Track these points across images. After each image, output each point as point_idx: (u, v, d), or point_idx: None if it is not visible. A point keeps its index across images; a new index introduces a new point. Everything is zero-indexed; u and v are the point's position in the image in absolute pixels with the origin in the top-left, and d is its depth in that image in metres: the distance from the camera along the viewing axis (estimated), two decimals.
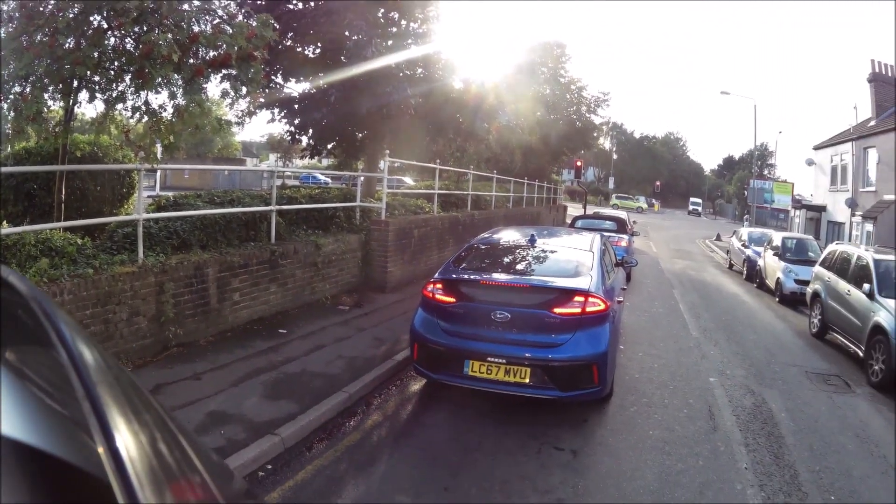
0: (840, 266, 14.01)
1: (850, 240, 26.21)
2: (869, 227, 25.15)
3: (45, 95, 7.21)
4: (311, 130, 16.58)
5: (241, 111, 14.23)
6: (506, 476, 5.97)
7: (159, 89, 7.63)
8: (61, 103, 7.94)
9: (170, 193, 10.01)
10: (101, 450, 0.65)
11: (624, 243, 18.93)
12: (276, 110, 16.08)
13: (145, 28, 7.38)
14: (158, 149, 8.14)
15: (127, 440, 0.69)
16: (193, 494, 0.84)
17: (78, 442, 0.67)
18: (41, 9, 7.09)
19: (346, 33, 14.00)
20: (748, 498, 6.26)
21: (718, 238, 42.08)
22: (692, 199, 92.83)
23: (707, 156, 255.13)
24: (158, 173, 24.10)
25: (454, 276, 7.38)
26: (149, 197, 9.65)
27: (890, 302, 11.23)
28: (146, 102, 7.74)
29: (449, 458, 6.23)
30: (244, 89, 8.13)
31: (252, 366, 7.48)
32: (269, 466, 5.72)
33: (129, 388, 0.91)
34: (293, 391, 6.94)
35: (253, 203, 9.66)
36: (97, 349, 0.90)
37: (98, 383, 0.74)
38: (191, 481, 0.87)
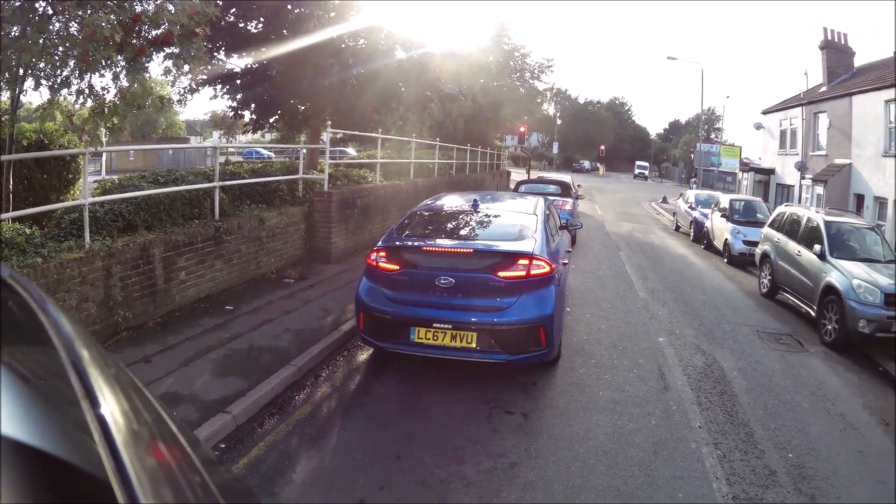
0: (790, 227, 14.42)
1: (799, 202, 26.92)
2: (819, 189, 25.94)
3: None
4: (253, 105, 16.74)
5: (184, 89, 14.68)
6: (458, 442, 6.08)
7: (103, 72, 7.81)
8: (7, 93, 8.01)
9: (115, 176, 9.99)
10: (100, 449, 0.66)
11: (569, 207, 19.21)
12: (219, 86, 16.22)
13: (89, 11, 7.31)
14: (103, 132, 8.18)
15: (127, 440, 0.70)
16: (193, 494, 0.86)
17: (78, 442, 0.68)
18: None
19: (289, 7, 14.11)
20: (703, 457, 6.33)
21: (665, 200, 42.83)
22: (638, 163, 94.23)
23: (653, 120, 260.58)
24: (104, 157, 24.22)
25: (397, 243, 7.47)
26: (94, 181, 9.59)
27: (842, 263, 11.65)
28: (90, 86, 7.88)
29: (400, 427, 6.32)
30: (186, 67, 8.16)
31: (201, 344, 7.54)
32: (223, 445, 5.73)
33: (128, 387, 0.93)
34: (242, 367, 7.02)
35: (196, 180, 9.80)
36: (97, 348, 0.91)
37: (98, 383, 0.76)
38: (190, 481, 0.89)
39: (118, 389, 0.86)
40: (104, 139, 8.52)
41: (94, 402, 0.73)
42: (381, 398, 7.03)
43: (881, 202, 22.19)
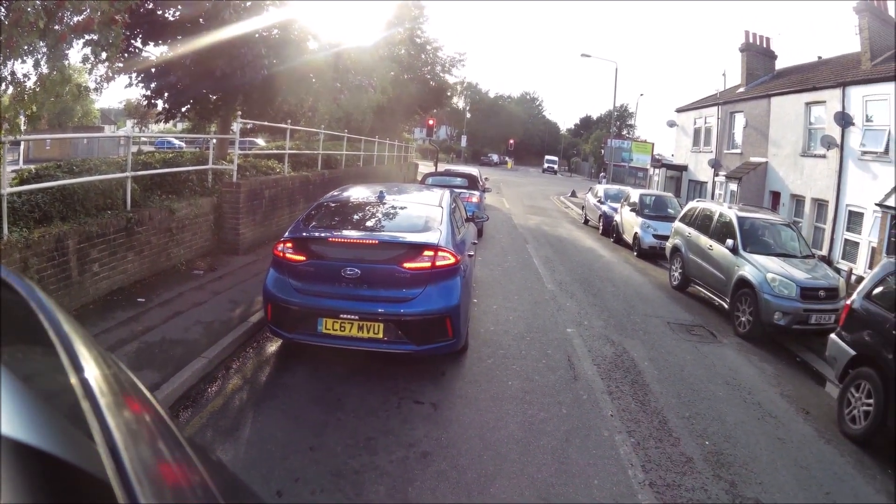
0: (701, 222, 14.95)
1: (713, 198, 28.00)
2: (734, 186, 26.98)
3: None
4: (166, 94, 16.89)
5: (100, 76, 14.64)
6: (370, 432, 6.16)
7: (25, 58, 7.86)
8: None
9: (32, 166, 9.82)
10: (100, 449, 0.68)
11: (475, 199, 19.61)
12: (134, 75, 16.27)
13: None
14: (22, 120, 8.08)
15: (126, 440, 0.72)
16: (193, 494, 0.88)
17: (78, 442, 0.70)
18: None
19: None
20: (617, 444, 6.40)
21: (574, 194, 43.87)
22: (547, 157, 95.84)
23: (564, 116, 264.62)
24: (22, 146, 24.43)
25: (304, 234, 7.65)
26: (12, 171, 9.29)
27: (755, 257, 12.18)
28: (12, 72, 7.93)
29: (312, 418, 6.38)
30: (104, 54, 8.38)
31: (115, 338, 7.49)
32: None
33: (128, 387, 0.98)
34: (155, 360, 7.02)
35: (110, 170, 9.86)
36: (96, 348, 0.94)
37: (97, 383, 0.77)
38: (190, 480, 0.91)
39: (118, 389, 0.87)
40: (23, 128, 8.45)
41: (93, 402, 0.74)
42: (292, 389, 7.08)
43: (798, 199, 23.21)
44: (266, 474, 5.29)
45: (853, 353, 8.04)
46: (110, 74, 14.96)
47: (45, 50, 7.76)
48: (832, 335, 8.70)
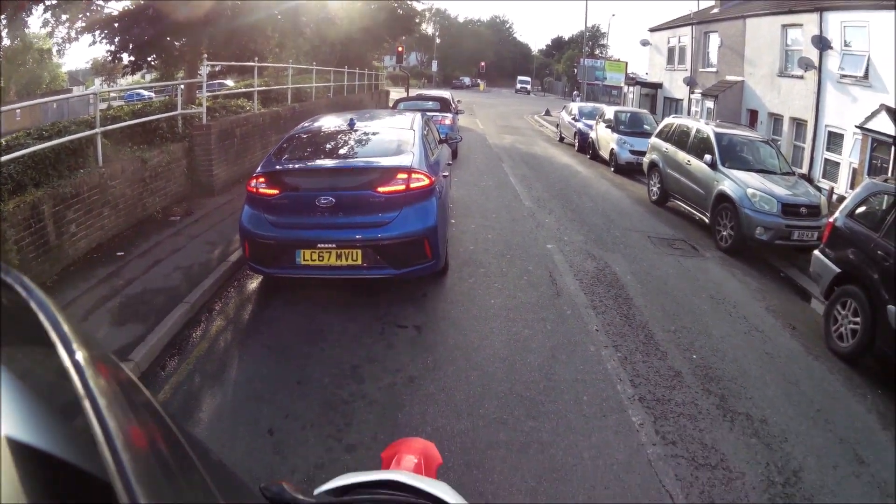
0: (678, 138, 14.74)
1: (689, 115, 27.72)
2: (710, 104, 26.83)
3: None
4: (131, 46, 16.97)
5: (62, 38, 15.18)
6: (355, 361, 6.12)
7: None
8: None
9: (2, 140, 9.50)
10: (101, 450, 0.65)
11: (448, 121, 19.51)
12: (97, 33, 16.20)
13: None
14: None
15: (127, 440, 0.69)
16: (193, 494, 0.87)
17: (78, 442, 0.69)
18: None
19: None
20: (604, 359, 6.29)
21: (548, 113, 43.35)
22: (520, 78, 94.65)
23: (535, 37, 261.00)
24: None
25: (276, 167, 7.55)
26: None
27: (734, 172, 12.03)
28: None
29: (297, 352, 6.34)
30: (64, 16, 7.58)
31: (97, 295, 7.40)
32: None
33: (129, 386, 0.94)
34: (138, 312, 6.95)
35: (79, 130, 9.66)
36: (97, 348, 0.90)
37: (97, 383, 0.75)
38: (190, 479, 0.90)
39: (118, 389, 0.84)
40: None
41: (93, 402, 0.70)
42: (275, 325, 7.02)
43: (776, 118, 23.04)
44: (256, 413, 5.23)
45: (838, 270, 7.93)
46: (73, 35, 15.29)
47: (4, 22, 7.44)
48: (816, 252, 8.59)
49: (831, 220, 8.54)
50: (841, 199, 11.55)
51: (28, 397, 0.71)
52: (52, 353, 0.78)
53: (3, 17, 7.28)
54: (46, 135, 9.17)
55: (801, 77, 21.07)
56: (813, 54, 20.28)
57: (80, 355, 0.79)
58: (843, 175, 18.77)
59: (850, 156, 18.51)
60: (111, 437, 0.67)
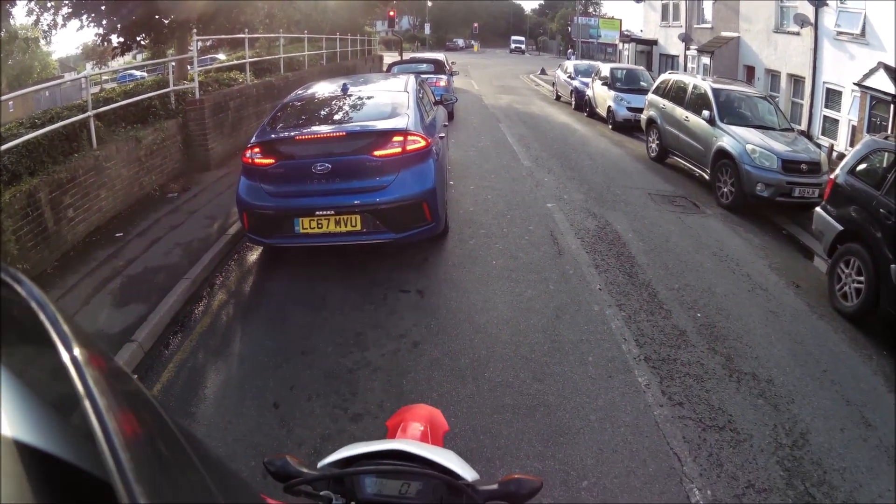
0: (675, 94, 14.54)
1: (685, 71, 27.47)
2: (706, 60, 26.60)
3: None
4: (119, 27, 16.94)
5: (48, 25, 15.15)
6: (358, 328, 6.07)
7: None
8: None
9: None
10: (101, 449, 0.64)
11: (443, 83, 19.29)
12: (84, 17, 16.18)
13: None
14: None
15: (127, 440, 0.67)
16: (193, 494, 0.84)
17: (78, 442, 0.68)
18: None
19: None
20: (608, 319, 6.20)
21: (543, 72, 42.93)
22: (514, 38, 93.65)
23: None
24: None
25: (271, 136, 7.46)
26: None
27: (733, 128, 11.84)
28: None
29: (299, 322, 6.30)
30: (49, 3, 7.42)
31: (98, 278, 7.35)
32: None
33: (129, 386, 0.90)
34: (140, 292, 6.91)
35: (71, 114, 9.55)
36: (97, 348, 0.85)
37: (98, 383, 0.72)
38: (190, 480, 0.87)
39: (118, 389, 0.79)
40: None
41: (93, 402, 0.67)
42: (277, 296, 6.98)
43: (773, 74, 22.77)
44: (261, 387, 5.19)
45: (840, 227, 7.81)
46: (59, 21, 15.12)
47: None
48: (818, 209, 8.47)
49: (832, 176, 8.40)
50: (841, 156, 11.42)
51: (27, 397, 0.71)
52: (51, 352, 0.76)
53: None
54: (39, 122, 9.14)
55: (798, 34, 20.72)
56: (809, 11, 19.91)
57: (79, 355, 0.76)
58: (843, 132, 18.50)
59: (848, 113, 18.24)
60: (111, 437, 0.66)
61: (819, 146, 14.50)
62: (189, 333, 6.21)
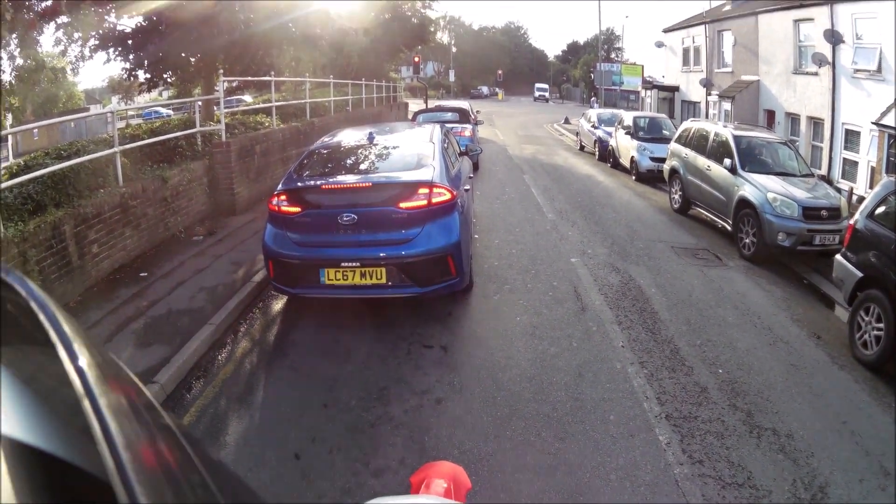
0: (697, 143, 14.64)
1: (707, 118, 27.55)
2: (727, 105, 26.64)
3: None
4: (146, 64, 16.95)
5: (76, 57, 15.08)
6: (382, 382, 6.12)
7: None
8: None
9: (21, 159, 9.76)
10: (101, 450, 0.66)
11: (468, 133, 19.43)
12: (111, 50, 16.20)
13: None
14: (6, 115, 7.67)
15: (127, 441, 0.69)
16: (193, 494, 0.85)
17: (78, 442, 0.69)
18: None
19: None
20: (630, 376, 6.30)
21: (567, 121, 43.27)
22: (538, 85, 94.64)
23: (551, 43, 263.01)
24: (10, 141, 24.46)
25: (298, 184, 7.45)
26: (3, 168, 9.04)
27: (755, 176, 11.89)
28: None
29: (323, 373, 6.34)
30: (77, 34, 7.75)
31: (121, 317, 7.41)
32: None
33: (128, 387, 0.94)
34: (163, 334, 6.95)
35: (98, 149, 9.63)
36: (97, 349, 0.89)
37: (97, 383, 0.75)
38: (190, 480, 0.88)
39: (118, 390, 0.84)
40: (8, 122, 8.12)
41: (93, 402, 0.71)
42: (301, 346, 7.02)
43: (793, 118, 22.83)
44: (282, 437, 5.25)
45: (860, 274, 7.83)
46: (87, 53, 15.38)
47: (16, 41, 7.65)
48: (838, 256, 8.50)
49: (851, 221, 8.43)
50: (861, 199, 11.44)
51: (28, 397, 0.72)
52: (52, 353, 0.79)
53: (14, 35, 7.52)
54: (65, 154, 9.19)
55: (816, 74, 20.87)
56: (826, 49, 20.09)
57: (79, 355, 0.80)
58: (862, 174, 18.54)
59: (867, 154, 18.29)
60: (111, 437, 0.68)
61: (839, 190, 14.58)
62: (212, 379, 6.29)
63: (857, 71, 18.89)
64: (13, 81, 7.48)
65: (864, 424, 5.87)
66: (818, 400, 6.23)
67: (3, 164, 10.09)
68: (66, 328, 0.83)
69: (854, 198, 15.29)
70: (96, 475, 0.65)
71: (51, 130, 38.77)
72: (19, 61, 7.67)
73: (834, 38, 19.55)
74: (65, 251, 8.03)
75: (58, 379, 0.76)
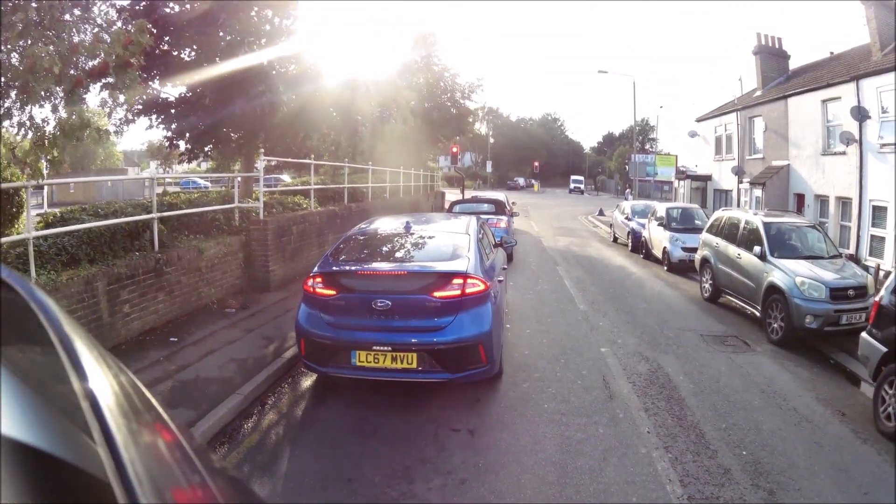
0: (728, 231, 14.86)
1: (738, 206, 27.81)
2: (758, 192, 26.85)
3: None
4: (188, 134, 17.30)
5: (120, 119, 15.73)
6: (407, 462, 6.19)
7: (42, 103, 8.21)
8: None
9: (56, 210, 10.05)
10: (101, 450, 0.68)
11: (503, 224, 19.69)
12: (154, 116, 16.70)
13: (29, 41, 7.63)
14: (44, 165, 8.20)
15: (127, 440, 0.73)
16: (194, 496, 0.90)
17: (78, 442, 0.70)
18: None
19: (220, 34, 14.64)
20: (655, 461, 6.40)
21: (601, 213, 43.67)
22: (573, 177, 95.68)
23: (586, 134, 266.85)
24: (45, 190, 25.05)
25: (333, 268, 7.69)
26: (37, 215, 9.54)
27: (784, 262, 12.07)
28: (31, 117, 8.44)
29: (349, 450, 6.44)
30: (122, 97, 8.72)
31: (148, 377, 7.56)
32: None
33: (128, 387, 0.99)
34: (190, 398, 7.10)
35: (136, 212, 10.00)
36: (97, 349, 0.96)
37: (97, 383, 0.79)
38: (191, 483, 0.92)
39: (119, 390, 0.88)
40: (45, 172, 8.70)
41: (93, 402, 0.74)
42: (328, 422, 7.16)
43: (822, 200, 23.00)
44: None
45: (884, 349, 7.95)
46: (130, 117, 15.98)
47: (61, 95, 8.04)
48: (863, 334, 8.61)
49: (877, 298, 8.57)
50: (887, 274, 11.53)
51: (28, 397, 0.72)
52: (52, 352, 0.81)
53: (60, 88, 7.99)
54: (102, 213, 9.40)
55: (844, 153, 21.17)
56: (853, 127, 20.39)
57: (79, 354, 0.82)
58: (889, 250, 18.61)
59: (894, 229, 18.40)
60: (111, 437, 0.70)
61: (866, 268, 14.61)
62: (236, 446, 6.40)
63: (883, 145, 19.17)
64: (56, 133, 7.88)
65: (886, 494, 5.96)
66: (841, 475, 6.29)
67: (37, 213, 10.50)
68: (67, 328, 0.87)
69: (881, 273, 15.28)
70: (96, 475, 0.68)
71: (87, 186, 39.21)
72: (62, 115, 8.12)
73: (860, 114, 19.89)
74: (96, 306, 8.19)
75: (57, 379, 0.79)
